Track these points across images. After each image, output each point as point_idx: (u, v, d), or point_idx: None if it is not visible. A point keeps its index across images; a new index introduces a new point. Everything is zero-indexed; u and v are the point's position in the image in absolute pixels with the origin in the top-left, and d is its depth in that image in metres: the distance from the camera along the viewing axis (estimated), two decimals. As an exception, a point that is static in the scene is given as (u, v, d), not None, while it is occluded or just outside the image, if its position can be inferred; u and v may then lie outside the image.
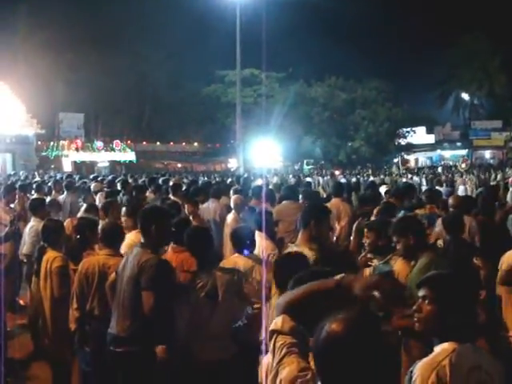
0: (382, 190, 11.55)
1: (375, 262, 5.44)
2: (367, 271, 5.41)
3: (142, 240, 5.14)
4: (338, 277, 2.80)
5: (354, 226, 6.57)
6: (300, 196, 10.23)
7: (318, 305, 2.55)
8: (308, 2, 61.44)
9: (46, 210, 8.79)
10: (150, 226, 5.06)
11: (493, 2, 64.09)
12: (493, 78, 66.39)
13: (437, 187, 15.58)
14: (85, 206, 9.45)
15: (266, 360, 2.99)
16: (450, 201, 8.43)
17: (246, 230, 6.26)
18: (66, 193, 12.37)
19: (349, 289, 2.70)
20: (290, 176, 32.43)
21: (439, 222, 7.12)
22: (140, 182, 16.31)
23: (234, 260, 5.87)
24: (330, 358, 2.15)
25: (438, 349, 2.92)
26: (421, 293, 3.06)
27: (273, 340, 2.70)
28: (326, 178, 32.02)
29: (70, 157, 47.03)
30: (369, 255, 5.57)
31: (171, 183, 13.57)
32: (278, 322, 2.75)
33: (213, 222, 9.81)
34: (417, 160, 59.90)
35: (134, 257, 4.97)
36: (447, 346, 2.88)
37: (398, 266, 5.13)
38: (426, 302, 3.00)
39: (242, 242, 5.93)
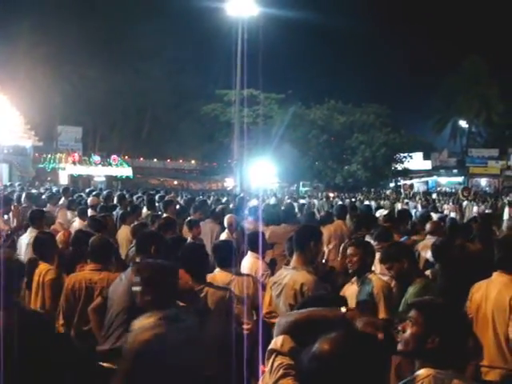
0: (378, 214, 11.58)
1: (354, 282, 5.42)
2: (349, 290, 5.43)
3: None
4: (344, 309, 2.82)
5: (341, 246, 6.59)
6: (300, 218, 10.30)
7: (319, 330, 2.54)
8: (310, 26, 62.03)
9: (44, 222, 8.73)
10: (150, 247, 5.12)
11: (492, 31, 64.77)
12: (491, 106, 66.65)
13: (432, 213, 15.52)
14: (87, 220, 9.36)
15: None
16: (427, 226, 8.50)
17: (226, 244, 6.28)
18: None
19: (352, 323, 2.72)
20: (286, 197, 32.41)
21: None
22: (135, 197, 16.24)
23: (212, 275, 5.82)
24: (317, 379, 2.15)
25: (415, 374, 2.92)
26: (409, 314, 3.07)
27: (271, 359, 2.69)
28: (321, 200, 32.04)
29: (67, 170, 46.90)
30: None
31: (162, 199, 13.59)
32: (278, 341, 2.74)
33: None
34: (412, 185, 60.04)
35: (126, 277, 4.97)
36: (422, 372, 2.87)
37: (375, 280, 5.16)
38: (411, 323, 3.00)
39: (222, 256, 5.90)
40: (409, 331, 3.02)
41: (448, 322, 2.98)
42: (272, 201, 24.57)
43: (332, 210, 11.10)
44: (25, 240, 8.14)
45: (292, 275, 5.37)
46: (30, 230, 8.40)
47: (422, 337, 2.95)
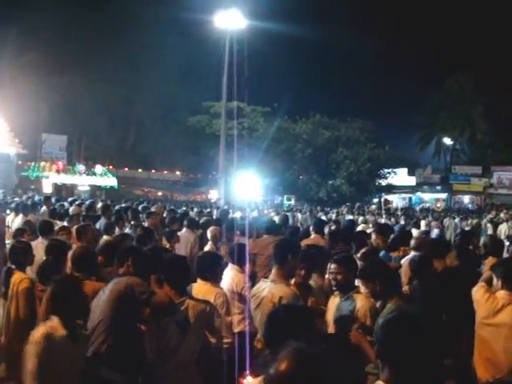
0: (360, 228, 11.58)
1: (337, 295, 5.39)
2: (332, 302, 5.40)
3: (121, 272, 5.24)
4: None
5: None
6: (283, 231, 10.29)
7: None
8: (297, 40, 62.29)
9: (53, 233, 8.70)
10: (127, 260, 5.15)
11: (478, 50, 65.44)
12: (475, 124, 67.34)
13: (414, 229, 15.56)
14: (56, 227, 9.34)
15: None
16: (412, 242, 8.51)
17: (208, 256, 6.30)
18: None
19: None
20: (271, 211, 32.38)
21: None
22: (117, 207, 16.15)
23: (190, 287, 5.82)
24: None
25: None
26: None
27: None
28: (305, 214, 32.06)
29: (51, 178, 46.56)
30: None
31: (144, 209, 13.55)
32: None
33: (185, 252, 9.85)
34: (389, 201, 60.44)
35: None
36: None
37: (360, 301, 5.14)
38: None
39: (204, 267, 5.87)
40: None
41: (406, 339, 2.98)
42: (254, 214, 24.57)
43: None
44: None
45: (270, 288, 5.37)
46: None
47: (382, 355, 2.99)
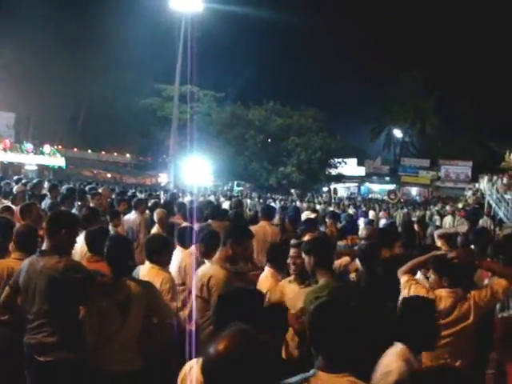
0: (304, 215, 11.67)
1: (293, 284, 5.43)
2: (288, 288, 5.45)
3: (46, 246, 5.05)
4: None
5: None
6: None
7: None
8: (253, 27, 62.16)
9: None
10: (60, 231, 4.98)
11: (431, 47, 66.32)
12: (425, 118, 68.39)
13: (362, 218, 15.77)
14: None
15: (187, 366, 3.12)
16: (363, 232, 8.62)
17: (156, 239, 6.28)
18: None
19: None
20: (221, 196, 32.36)
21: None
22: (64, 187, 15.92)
23: (138, 269, 5.85)
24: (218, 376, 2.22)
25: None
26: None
27: None
28: (254, 200, 32.15)
29: (-3, 156, 45.68)
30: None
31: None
32: None
33: (132, 233, 9.84)
34: (335, 190, 60.93)
35: (42, 266, 4.85)
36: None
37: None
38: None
39: (152, 250, 5.87)
40: None
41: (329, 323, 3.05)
42: (212, 198, 24.64)
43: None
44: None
45: (204, 268, 5.43)
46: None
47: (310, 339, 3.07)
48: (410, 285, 5.02)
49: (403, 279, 5.14)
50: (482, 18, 64.83)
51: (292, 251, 5.54)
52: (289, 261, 5.59)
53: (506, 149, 35.63)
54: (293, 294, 5.36)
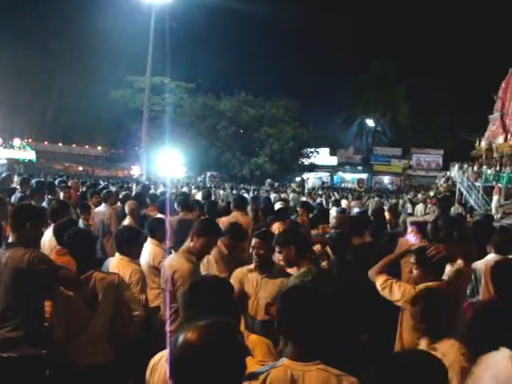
0: (277, 206, 11.70)
1: (255, 273, 5.42)
2: (250, 277, 5.44)
3: (12, 239, 4.95)
4: None
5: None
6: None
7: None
8: (225, 18, 61.93)
9: None
10: (25, 224, 4.90)
11: (402, 35, 66.72)
12: (396, 106, 68.66)
13: (334, 208, 15.79)
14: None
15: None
16: (333, 221, 8.66)
17: (126, 231, 6.23)
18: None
19: None
20: (193, 187, 32.30)
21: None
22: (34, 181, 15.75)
23: (108, 261, 5.81)
24: (185, 365, 2.17)
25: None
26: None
27: None
28: (226, 191, 32.15)
29: (-35, 151, 45.18)
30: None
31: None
32: None
33: (102, 226, 9.79)
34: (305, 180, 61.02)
35: (8, 258, 4.77)
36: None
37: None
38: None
39: (122, 242, 5.81)
40: None
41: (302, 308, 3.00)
42: (184, 190, 24.63)
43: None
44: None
45: (170, 260, 5.40)
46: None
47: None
48: (391, 283, 4.84)
49: (379, 280, 4.92)
50: (452, 7, 65.38)
51: (254, 241, 5.50)
52: (251, 251, 5.57)
53: (476, 137, 35.93)
54: (255, 282, 5.34)
